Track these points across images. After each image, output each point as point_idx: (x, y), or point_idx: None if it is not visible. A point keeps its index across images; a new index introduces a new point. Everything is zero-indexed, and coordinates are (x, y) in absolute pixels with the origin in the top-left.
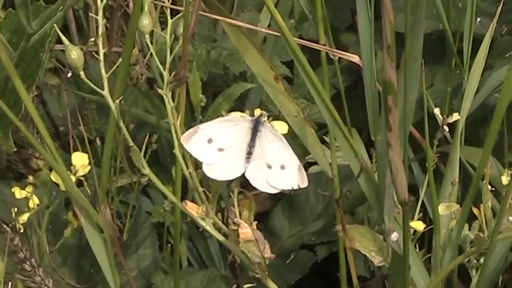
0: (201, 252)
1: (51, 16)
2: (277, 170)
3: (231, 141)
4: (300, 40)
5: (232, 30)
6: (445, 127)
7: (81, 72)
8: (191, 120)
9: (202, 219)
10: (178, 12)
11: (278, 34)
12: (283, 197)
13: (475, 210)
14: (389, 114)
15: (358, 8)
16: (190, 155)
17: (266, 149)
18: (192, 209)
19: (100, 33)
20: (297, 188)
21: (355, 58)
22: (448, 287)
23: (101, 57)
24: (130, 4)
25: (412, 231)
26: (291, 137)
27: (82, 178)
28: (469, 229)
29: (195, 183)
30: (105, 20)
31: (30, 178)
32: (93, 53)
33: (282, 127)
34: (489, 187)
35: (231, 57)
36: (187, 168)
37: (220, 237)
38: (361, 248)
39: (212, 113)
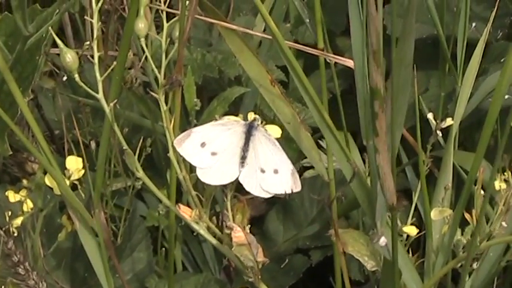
0: (196, 256)
1: (47, 19)
2: (271, 174)
3: (225, 145)
4: (295, 44)
5: (228, 33)
6: (439, 132)
7: (76, 76)
8: (186, 124)
9: (196, 223)
10: (174, 15)
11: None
12: (278, 201)
13: (467, 215)
14: (376, 120)
15: (350, 12)
16: (184, 159)
17: (260, 153)
18: (186, 212)
19: (95, 36)
20: (290, 192)
21: (349, 62)
22: None
23: (96, 60)
24: (127, 7)
25: (405, 235)
26: (286, 141)
27: (76, 182)
28: (462, 234)
29: (189, 187)
30: (100, 23)
31: (25, 182)
32: (88, 57)
33: (275, 131)
34: (482, 192)
35: (226, 61)
36: (181, 171)
37: (214, 241)
38: (354, 252)
39: (207, 116)
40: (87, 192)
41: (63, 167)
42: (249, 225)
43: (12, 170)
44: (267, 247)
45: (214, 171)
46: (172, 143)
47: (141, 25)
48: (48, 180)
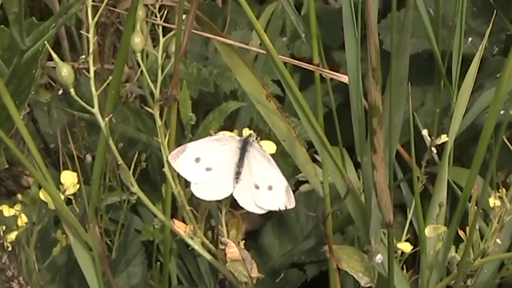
0: (191, 270)
1: (44, 33)
2: (265, 190)
3: (219, 160)
4: (289, 59)
5: (224, 48)
6: (434, 148)
7: (71, 90)
8: (181, 138)
9: (191, 238)
10: (170, 29)
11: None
12: (273, 216)
13: (461, 233)
14: (374, 137)
15: (345, 29)
16: (178, 174)
17: (254, 169)
18: (180, 228)
19: (90, 51)
20: (284, 209)
21: (344, 78)
22: None
23: (91, 75)
24: (123, 21)
25: (399, 252)
26: (281, 156)
27: (71, 196)
28: (456, 251)
29: (183, 202)
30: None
31: (19, 196)
32: (84, 71)
33: (270, 147)
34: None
35: (221, 75)
36: (176, 186)
37: (208, 257)
38: (349, 268)
39: (202, 131)
40: (81, 206)
41: (58, 181)
42: (244, 240)
43: (8, 183)
44: (262, 262)
45: (209, 187)
46: (167, 158)
47: (137, 40)
48: (42, 195)
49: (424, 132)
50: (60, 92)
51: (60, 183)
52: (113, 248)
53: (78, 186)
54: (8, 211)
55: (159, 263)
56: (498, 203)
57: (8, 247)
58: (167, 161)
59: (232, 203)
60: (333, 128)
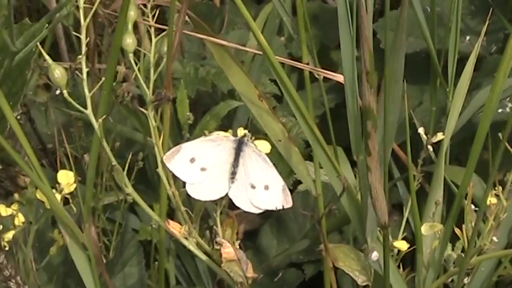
0: (189, 271)
1: (35, 34)
2: (261, 190)
3: (214, 161)
4: (285, 59)
5: (216, 49)
6: (431, 147)
7: (65, 91)
8: (179, 138)
9: (186, 238)
10: (165, 30)
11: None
12: (271, 215)
13: (457, 230)
14: (368, 139)
15: (340, 28)
16: (173, 174)
17: (250, 169)
18: (175, 228)
19: (83, 52)
20: (281, 208)
21: (339, 77)
22: None
23: (84, 76)
24: None
25: (396, 250)
26: (278, 155)
27: (68, 196)
28: (453, 249)
29: (178, 203)
30: (94, 36)
31: (16, 195)
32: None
33: (264, 146)
34: (473, 207)
35: (219, 75)
36: (170, 187)
37: (204, 257)
38: (345, 267)
39: (200, 131)
40: (79, 206)
41: (55, 181)
42: (242, 240)
43: (6, 184)
44: (260, 261)
45: (204, 187)
46: (161, 158)
47: (129, 40)
48: (39, 195)
49: (420, 130)
50: (58, 92)
51: (57, 183)
52: (110, 247)
53: (74, 185)
54: (5, 211)
55: (157, 262)
56: (494, 200)
57: (5, 247)
58: (161, 161)
59: (229, 203)
60: (328, 129)
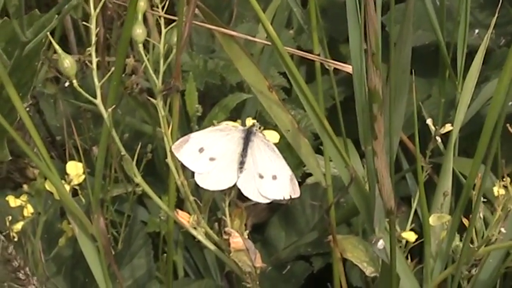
0: (198, 262)
1: (45, 25)
2: (269, 180)
3: (223, 150)
4: (294, 51)
5: (226, 40)
6: (439, 138)
7: (74, 81)
8: (187, 130)
9: (194, 228)
10: (174, 21)
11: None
12: (279, 208)
13: (465, 221)
14: (374, 123)
15: (349, 18)
16: (182, 164)
17: (258, 159)
18: (184, 218)
19: (93, 42)
20: (289, 198)
21: (348, 68)
22: None
23: (94, 65)
24: None
25: (404, 241)
26: (287, 147)
27: (77, 187)
28: (460, 240)
29: (186, 193)
30: (104, 30)
31: (25, 187)
32: (89, 63)
33: (273, 137)
34: (481, 198)
35: (227, 67)
36: (179, 176)
37: (212, 247)
38: (353, 258)
39: (208, 123)
40: (87, 198)
41: (63, 173)
42: (250, 232)
43: (15, 176)
44: (269, 254)
45: (213, 177)
46: (170, 148)
47: (139, 31)
48: (48, 186)
49: (429, 121)
50: (67, 84)
51: (66, 174)
52: (118, 239)
53: (83, 177)
54: (14, 202)
55: (165, 254)
56: (502, 191)
57: (14, 238)
58: (170, 151)
59: (238, 193)
60: (339, 121)
